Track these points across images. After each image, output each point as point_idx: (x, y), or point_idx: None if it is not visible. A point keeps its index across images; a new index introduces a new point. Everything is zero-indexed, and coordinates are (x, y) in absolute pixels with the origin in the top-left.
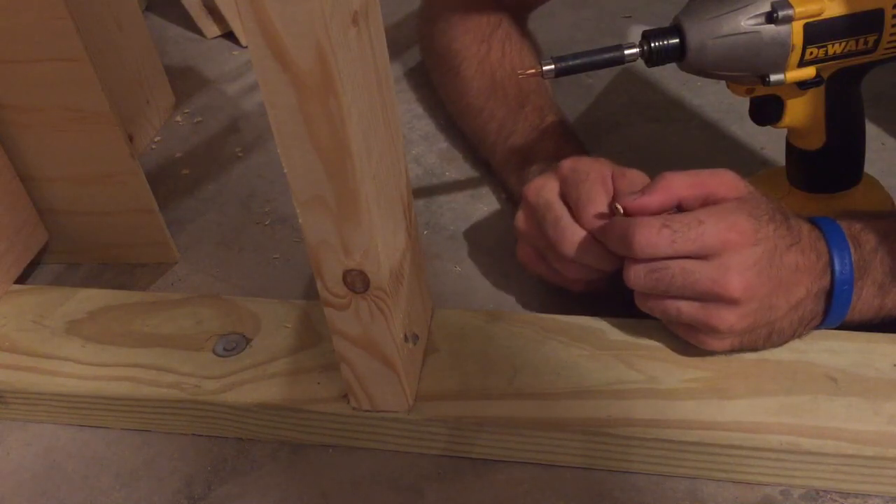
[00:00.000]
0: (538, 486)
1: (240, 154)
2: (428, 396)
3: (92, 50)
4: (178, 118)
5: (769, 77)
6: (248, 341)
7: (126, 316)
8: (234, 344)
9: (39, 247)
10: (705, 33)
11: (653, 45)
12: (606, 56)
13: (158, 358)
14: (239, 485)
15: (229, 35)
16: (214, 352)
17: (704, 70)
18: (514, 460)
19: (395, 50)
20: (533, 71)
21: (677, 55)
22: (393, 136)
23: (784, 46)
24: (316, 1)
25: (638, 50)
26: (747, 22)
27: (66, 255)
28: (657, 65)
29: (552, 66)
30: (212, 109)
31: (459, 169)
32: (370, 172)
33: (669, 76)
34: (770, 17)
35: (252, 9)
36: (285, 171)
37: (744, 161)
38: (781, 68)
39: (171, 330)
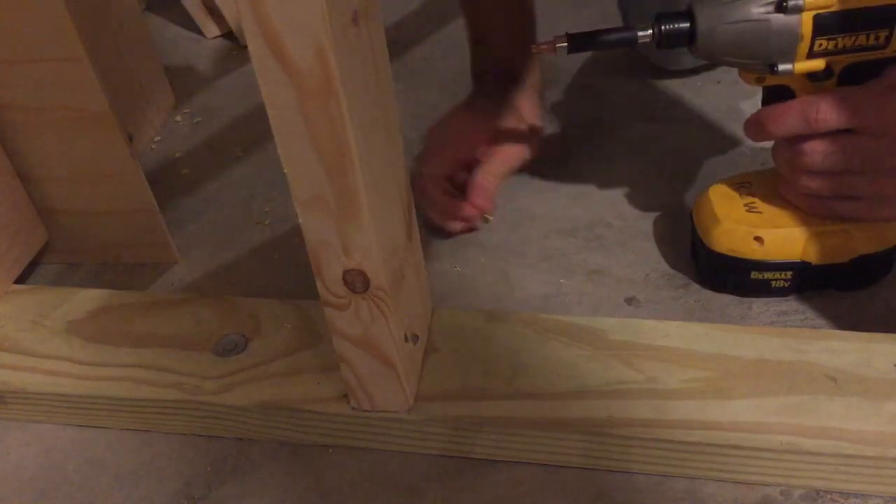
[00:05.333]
0: (538, 486)
1: (240, 154)
2: (428, 396)
3: (92, 50)
4: (178, 118)
5: (777, 66)
6: (248, 341)
7: (126, 316)
8: (234, 344)
9: (39, 247)
10: (715, 18)
11: (664, 27)
12: (619, 36)
13: (158, 358)
14: (239, 485)
15: (230, 35)
16: (214, 352)
17: (713, 55)
18: (514, 460)
19: (395, 50)
20: (546, 46)
21: (687, 39)
22: (393, 136)
23: (793, 36)
24: (316, 1)
25: (650, 32)
26: (757, 9)
27: (66, 255)
28: (667, 48)
29: (565, 44)
30: (212, 109)
31: None
32: (370, 172)
33: (669, 76)
34: (780, 6)
35: (252, 9)
36: (285, 171)
37: (744, 161)
38: (790, 58)
39: (171, 330)
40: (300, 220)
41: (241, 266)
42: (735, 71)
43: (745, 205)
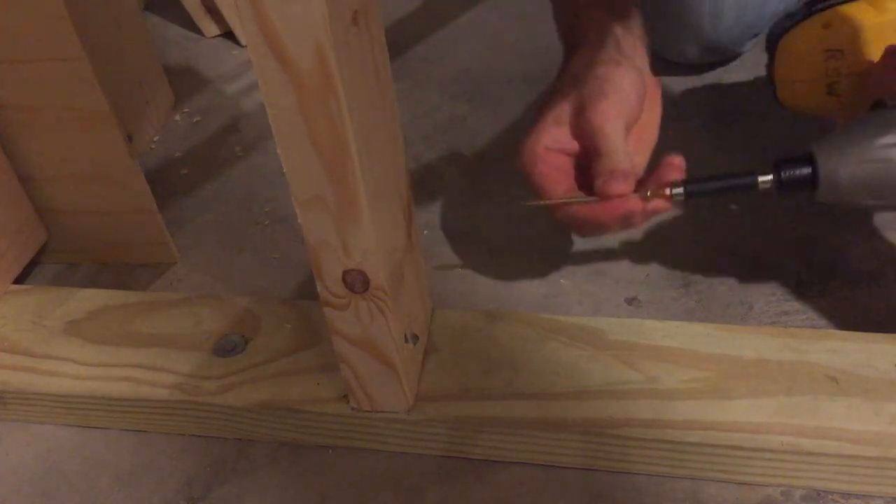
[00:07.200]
0: (538, 486)
1: (240, 154)
2: (428, 396)
3: (92, 50)
4: (178, 118)
5: None
6: (248, 341)
7: (126, 316)
8: (234, 344)
9: (39, 247)
10: (839, 162)
11: (784, 173)
12: (739, 182)
13: (158, 358)
14: (238, 486)
15: (229, 35)
16: (214, 352)
17: (839, 200)
18: (514, 460)
19: (395, 50)
20: (662, 198)
21: (810, 185)
22: (393, 136)
23: None
24: (316, 1)
25: (770, 178)
26: (882, 153)
27: (66, 255)
28: (789, 196)
29: (681, 190)
30: (211, 109)
31: (459, 169)
32: (370, 172)
33: (669, 77)
34: None
35: (252, 9)
36: (285, 171)
37: (744, 161)
38: None
39: (170, 330)
40: (300, 220)
41: (241, 266)
42: (735, 71)
43: (828, 85)
